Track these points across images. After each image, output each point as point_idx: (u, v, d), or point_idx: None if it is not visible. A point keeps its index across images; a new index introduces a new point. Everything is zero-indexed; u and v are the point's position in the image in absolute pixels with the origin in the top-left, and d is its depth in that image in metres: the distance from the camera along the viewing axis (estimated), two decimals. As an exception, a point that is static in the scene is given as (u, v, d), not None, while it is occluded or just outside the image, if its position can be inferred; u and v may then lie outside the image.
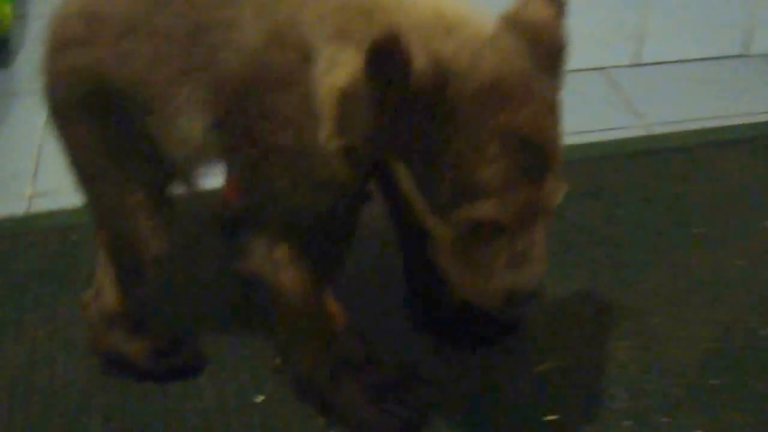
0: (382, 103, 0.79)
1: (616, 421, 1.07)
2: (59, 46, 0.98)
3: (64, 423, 1.09)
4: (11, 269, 1.33)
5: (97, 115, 0.98)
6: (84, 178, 1.05)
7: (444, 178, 0.81)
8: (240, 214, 1.04)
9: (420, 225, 0.89)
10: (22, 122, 1.72)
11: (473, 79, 0.79)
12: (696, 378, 1.13)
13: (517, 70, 0.81)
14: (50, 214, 1.46)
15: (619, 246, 1.35)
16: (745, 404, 1.09)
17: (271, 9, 0.88)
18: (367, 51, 0.77)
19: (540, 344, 1.19)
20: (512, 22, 0.84)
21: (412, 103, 0.79)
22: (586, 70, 1.83)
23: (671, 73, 1.86)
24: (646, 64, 1.89)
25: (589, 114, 1.70)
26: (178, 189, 1.08)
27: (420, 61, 0.78)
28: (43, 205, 1.49)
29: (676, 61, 1.89)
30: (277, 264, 0.97)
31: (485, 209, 0.81)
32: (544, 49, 0.83)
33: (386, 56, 0.76)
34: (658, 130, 1.67)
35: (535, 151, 0.81)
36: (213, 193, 1.27)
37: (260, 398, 1.11)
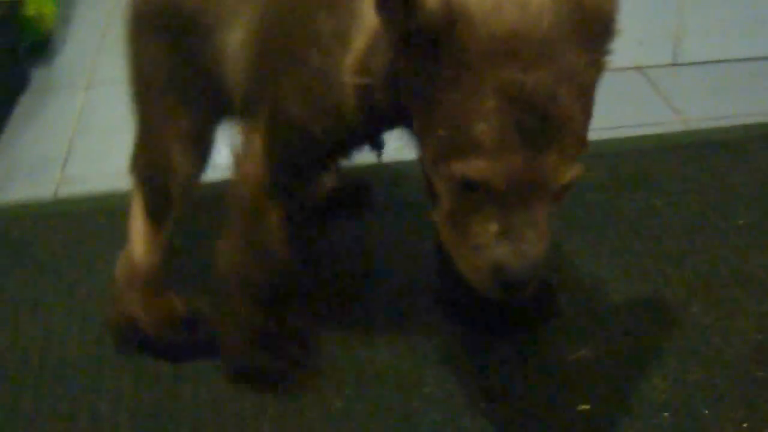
0: (395, 41, 0.77)
1: (653, 413, 1.01)
2: None
3: (74, 402, 1.06)
4: (34, 251, 1.32)
5: (169, 33, 1.02)
6: (139, 93, 1.07)
7: (441, 128, 0.76)
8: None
9: None
10: (57, 114, 1.75)
11: (487, 27, 0.74)
12: (740, 370, 1.07)
13: (539, 30, 0.74)
14: (76, 200, 1.46)
15: (659, 236, 1.30)
16: (794, 398, 1.02)
17: None
18: None
19: (575, 333, 1.13)
20: None
21: (419, 40, 0.75)
22: (625, 69, 1.79)
23: (710, 72, 1.82)
24: (683, 64, 1.85)
25: (629, 111, 1.66)
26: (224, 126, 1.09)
27: (433, 0, 0.74)
28: (70, 191, 1.50)
29: (716, 61, 1.84)
30: (248, 155, 0.97)
31: (475, 166, 0.75)
32: (586, 19, 0.76)
33: None
34: (698, 126, 1.63)
35: (540, 118, 0.74)
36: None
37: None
